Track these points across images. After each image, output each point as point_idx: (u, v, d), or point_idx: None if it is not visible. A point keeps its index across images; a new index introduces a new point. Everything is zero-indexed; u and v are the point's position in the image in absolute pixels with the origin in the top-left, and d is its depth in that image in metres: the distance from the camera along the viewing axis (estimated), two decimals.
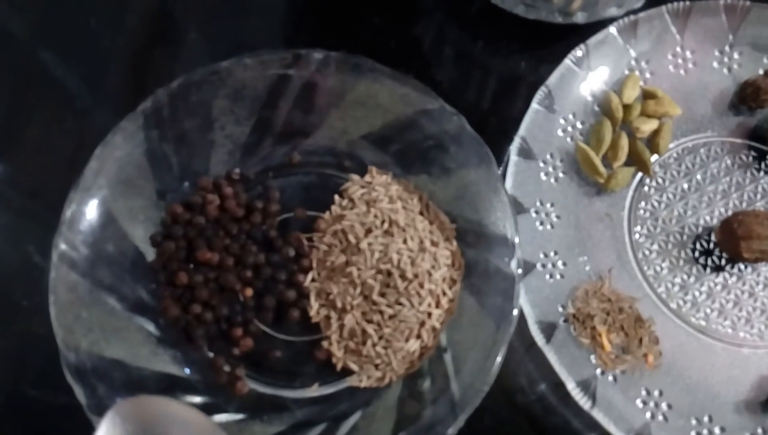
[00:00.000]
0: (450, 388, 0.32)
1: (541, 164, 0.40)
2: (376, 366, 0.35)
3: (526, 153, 0.40)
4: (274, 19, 0.48)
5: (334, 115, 0.39)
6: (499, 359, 0.31)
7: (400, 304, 0.34)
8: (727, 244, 0.38)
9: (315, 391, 0.35)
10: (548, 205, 0.40)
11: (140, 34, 0.47)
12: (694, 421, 0.35)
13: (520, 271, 0.33)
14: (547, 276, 0.38)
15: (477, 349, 0.33)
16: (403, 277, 0.34)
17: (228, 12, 0.48)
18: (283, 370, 0.36)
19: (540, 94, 0.40)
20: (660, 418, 0.35)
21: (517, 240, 0.34)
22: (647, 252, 0.40)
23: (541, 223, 0.39)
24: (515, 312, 0.32)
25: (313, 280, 0.37)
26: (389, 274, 0.35)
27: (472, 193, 0.36)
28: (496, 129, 0.42)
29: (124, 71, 0.46)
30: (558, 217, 0.40)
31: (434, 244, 0.36)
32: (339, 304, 0.36)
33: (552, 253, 0.39)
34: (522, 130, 0.40)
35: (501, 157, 0.41)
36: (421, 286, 0.34)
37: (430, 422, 0.31)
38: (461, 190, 0.37)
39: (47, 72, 0.46)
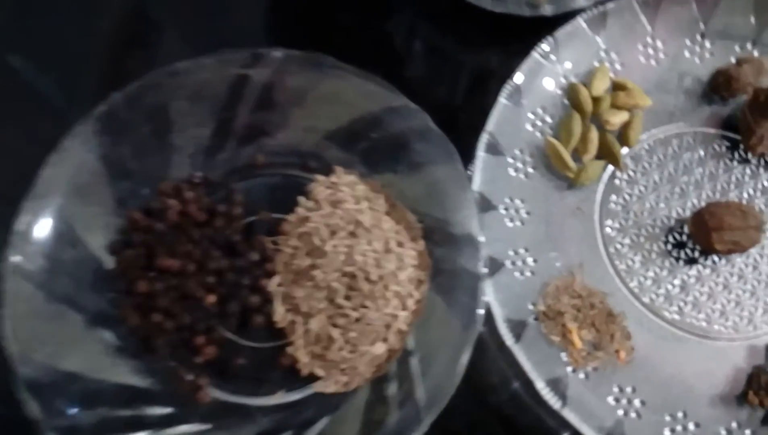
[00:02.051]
0: (416, 392, 0.31)
1: (510, 160, 0.40)
2: (343, 371, 0.34)
3: (494, 149, 0.39)
4: (252, 18, 0.47)
5: (297, 114, 0.38)
6: (464, 360, 0.31)
7: (365, 307, 0.34)
8: (699, 236, 0.37)
9: (281, 398, 0.35)
10: (518, 201, 0.39)
11: (116, 36, 0.46)
12: (668, 417, 0.35)
13: (485, 269, 0.32)
14: (517, 273, 0.37)
15: (444, 350, 0.32)
16: (367, 279, 0.34)
17: (206, 12, 0.47)
18: (248, 377, 0.35)
19: (507, 88, 0.39)
20: (633, 414, 0.35)
21: (482, 238, 0.33)
22: (619, 246, 0.39)
23: (511, 220, 0.38)
24: (480, 311, 0.32)
25: (278, 284, 0.37)
26: (354, 276, 0.34)
27: (438, 191, 0.35)
28: (467, 125, 0.41)
29: (99, 75, 0.45)
30: (528, 213, 0.39)
31: (400, 244, 0.35)
32: (304, 309, 0.35)
33: (522, 250, 0.38)
34: (489, 125, 0.39)
35: (471, 154, 0.40)
36: (387, 287, 0.34)
37: (395, 427, 0.30)
38: (428, 188, 0.36)
39: (17, 77, 0.45)
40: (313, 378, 0.35)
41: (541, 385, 0.34)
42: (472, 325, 0.31)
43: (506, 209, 0.38)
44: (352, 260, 0.34)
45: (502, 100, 0.39)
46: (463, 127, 0.40)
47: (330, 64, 0.36)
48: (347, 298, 0.34)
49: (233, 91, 0.37)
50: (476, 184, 0.38)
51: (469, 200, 0.34)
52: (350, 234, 0.35)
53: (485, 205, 0.37)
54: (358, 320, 0.34)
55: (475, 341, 0.31)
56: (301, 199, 0.38)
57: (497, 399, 0.37)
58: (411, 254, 0.35)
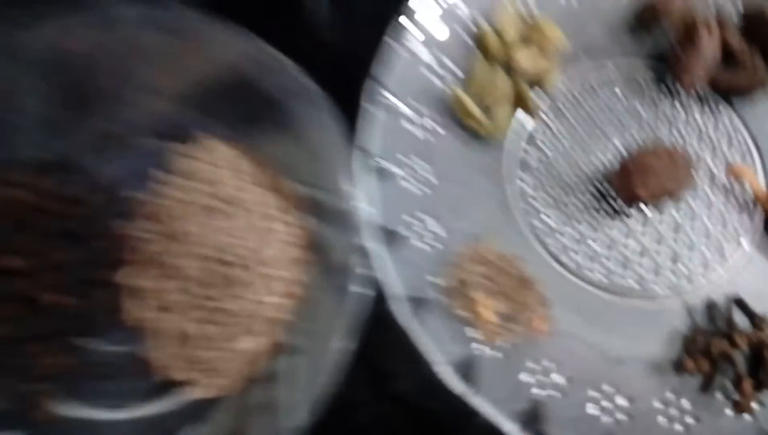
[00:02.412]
0: (282, 393, 0.26)
1: (411, 115, 0.34)
2: (206, 372, 0.29)
3: (388, 104, 0.33)
4: None
5: (150, 76, 0.31)
6: (340, 346, 0.26)
7: (223, 295, 0.28)
8: (622, 185, 0.32)
9: (140, 410, 0.29)
10: (421, 162, 0.33)
11: None
12: (594, 392, 0.30)
13: (359, 241, 0.27)
14: (420, 243, 0.32)
15: (323, 337, 0.28)
16: (222, 261, 0.28)
17: None
18: (104, 388, 0.30)
19: (400, 31, 0.34)
20: (554, 392, 0.30)
21: (363, 205, 0.28)
22: (536, 203, 0.34)
23: (410, 182, 0.33)
24: (355, 289, 0.26)
25: (131, 275, 0.31)
26: (208, 260, 0.29)
27: (314, 154, 0.30)
28: (361, 79, 0.34)
29: None
30: (431, 172, 0.33)
31: (267, 217, 0.30)
32: (157, 303, 0.29)
33: (427, 218, 0.33)
34: (381, 76, 0.33)
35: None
36: (247, 270, 0.28)
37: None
38: (303, 152, 0.30)
39: None
40: (175, 383, 0.30)
41: (443, 369, 0.29)
42: (345, 306, 0.26)
43: (406, 172, 0.33)
44: (205, 241, 0.29)
45: (394, 44, 0.33)
46: (355, 83, 0.34)
47: (181, 16, 0.30)
48: (202, 286, 0.29)
49: (69, 54, 0.31)
50: (366, 145, 0.32)
51: (348, 163, 0.29)
52: (207, 210, 0.30)
53: (377, 167, 0.32)
54: (216, 312, 0.29)
55: (361, 324, 0.26)
56: (158, 174, 0.32)
57: (402, 387, 0.32)
58: (281, 229, 0.30)
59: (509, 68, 0.35)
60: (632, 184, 0.31)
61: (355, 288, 0.27)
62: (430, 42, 0.35)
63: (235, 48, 0.30)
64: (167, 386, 0.30)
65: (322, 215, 0.30)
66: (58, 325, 0.30)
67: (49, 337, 0.29)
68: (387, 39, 0.34)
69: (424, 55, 0.34)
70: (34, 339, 0.29)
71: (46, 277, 0.30)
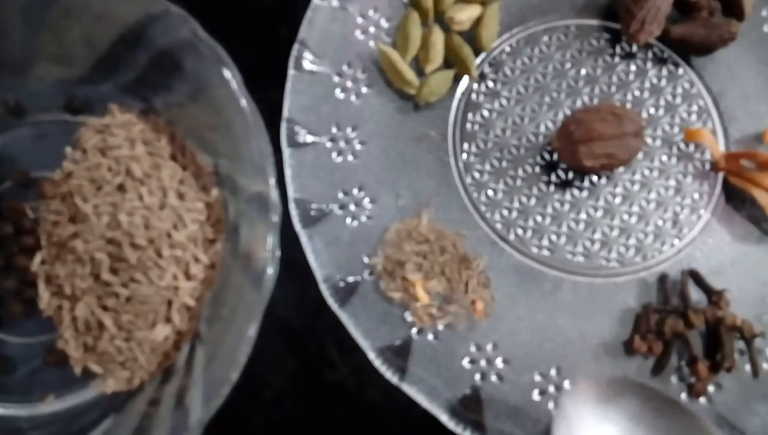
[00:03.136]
0: (191, 386, 0.24)
1: (336, 78, 0.31)
2: (122, 364, 0.27)
3: (309, 65, 0.31)
4: None
5: (44, 39, 0.29)
6: (251, 334, 0.23)
7: (135, 281, 0.26)
8: (566, 153, 0.30)
9: (51, 404, 0.28)
10: (348, 130, 0.31)
11: None
12: (537, 377, 0.28)
13: (276, 218, 0.25)
14: (349, 219, 0.30)
15: (235, 326, 0.26)
16: (133, 245, 0.26)
17: None
18: (16, 382, 0.28)
19: None
20: (493, 378, 0.28)
21: (271, 180, 0.25)
22: (478, 175, 0.31)
23: (340, 153, 0.31)
24: (269, 271, 0.24)
25: (42, 261, 0.29)
26: (119, 243, 0.26)
27: (223, 121, 0.27)
28: (286, 42, 0.32)
29: None
30: (362, 143, 0.31)
31: (181, 196, 0.27)
32: (68, 291, 0.27)
33: (355, 191, 0.30)
34: (302, 33, 0.31)
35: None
36: (159, 253, 0.26)
37: (164, 433, 0.24)
38: (214, 120, 0.28)
39: None
40: (92, 376, 0.28)
41: (372, 356, 0.27)
42: (258, 291, 0.24)
43: (332, 141, 0.31)
44: (116, 222, 0.26)
45: (316, 0, 0.31)
46: (281, 43, 0.32)
47: None
48: (114, 271, 0.26)
49: None
50: (287, 110, 0.30)
51: (264, 134, 0.26)
52: (118, 188, 0.28)
53: (299, 136, 0.30)
54: (129, 299, 0.26)
55: (263, 311, 0.24)
56: (68, 151, 0.29)
57: (336, 376, 0.30)
58: (197, 208, 0.27)
59: (444, 23, 0.32)
60: (576, 152, 0.29)
61: (269, 271, 0.25)
62: None
63: (130, 4, 0.27)
64: (84, 378, 0.28)
65: (238, 192, 0.27)
66: None
67: None
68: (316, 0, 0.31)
69: (356, 12, 0.32)
70: None
71: None
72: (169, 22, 0.27)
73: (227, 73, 0.26)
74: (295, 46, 0.30)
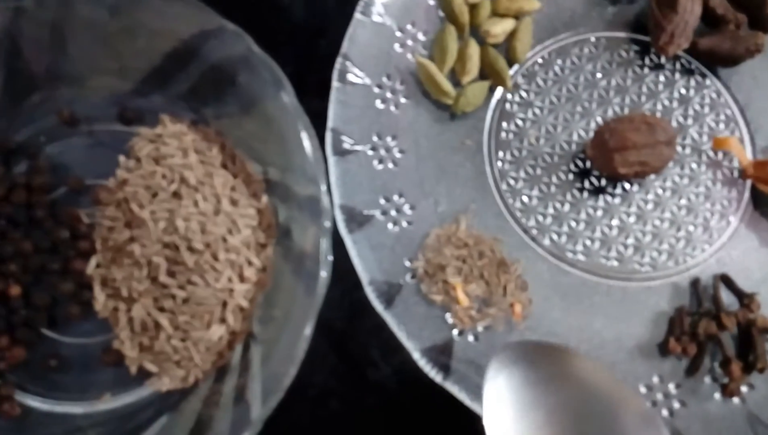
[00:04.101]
0: (251, 384, 0.25)
1: (377, 89, 0.33)
2: (177, 363, 0.28)
3: (353, 77, 0.32)
4: None
5: (100, 54, 0.30)
6: (304, 340, 0.24)
7: (192, 283, 0.27)
8: (600, 160, 0.31)
9: (108, 402, 0.29)
10: (388, 139, 0.32)
11: None
12: None
13: (328, 223, 0.26)
14: (391, 225, 0.31)
15: (290, 328, 0.27)
16: (191, 248, 0.27)
17: None
18: (73, 380, 0.29)
19: (365, 1, 0.32)
20: None
21: (322, 186, 0.26)
22: (513, 181, 0.33)
23: (381, 161, 0.32)
24: (323, 274, 0.25)
25: (97, 265, 0.30)
26: (176, 247, 0.27)
27: (275, 133, 0.29)
28: (327, 54, 0.33)
29: None
30: (401, 151, 0.32)
31: (234, 202, 0.29)
32: (125, 293, 0.28)
33: (396, 197, 0.31)
34: (345, 47, 0.32)
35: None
36: (215, 257, 0.27)
37: (225, 430, 0.25)
38: (264, 131, 0.29)
39: None
40: (147, 375, 0.29)
41: (417, 356, 0.28)
42: (312, 293, 0.25)
43: (374, 149, 0.32)
44: (173, 227, 0.27)
45: (358, 16, 0.32)
46: (322, 55, 0.33)
47: None
48: (171, 274, 0.28)
49: (13, 30, 0.29)
50: (331, 121, 0.31)
51: (314, 143, 0.27)
52: (173, 195, 0.29)
53: (343, 145, 0.31)
54: (186, 301, 0.28)
55: (318, 312, 0.25)
56: (122, 159, 0.31)
57: (377, 375, 0.31)
58: (249, 214, 0.29)
59: (479, 36, 0.33)
60: (612, 160, 0.30)
61: (323, 274, 0.26)
62: (401, 13, 0.33)
63: (178, 15, 0.28)
64: (139, 377, 0.29)
65: (289, 199, 0.28)
66: (27, 317, 0.29)
67: (11, 329, 0.29)
68: (356, 14, 0.32)
69: (395, 26, 0.33)
70: (2, 331, 0.28)
71: (6, 268, 0.29)
72: (224, 38, 0.28)
73: (284, 91, 0.27)
74: (339, 60, 0.32)
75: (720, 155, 0.33)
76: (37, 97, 0.31)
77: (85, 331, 0.30)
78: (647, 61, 0.35)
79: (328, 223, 0.26)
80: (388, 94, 0.33)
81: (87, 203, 0.31)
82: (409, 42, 0.34)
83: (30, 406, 0.29)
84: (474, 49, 0.33)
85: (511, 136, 0.33)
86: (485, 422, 0.25)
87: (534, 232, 0.32)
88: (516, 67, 0.34)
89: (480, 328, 0.30)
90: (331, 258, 0.26)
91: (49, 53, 0.30)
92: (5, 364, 0.28)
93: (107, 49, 0.30)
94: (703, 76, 0.34)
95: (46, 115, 0.32)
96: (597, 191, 0.33)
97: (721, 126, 0.34)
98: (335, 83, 0.31)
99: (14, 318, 0.29)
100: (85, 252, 0.30)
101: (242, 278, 0.28)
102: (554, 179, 0.33)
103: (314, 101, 0.33)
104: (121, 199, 0.30)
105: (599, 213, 0.32)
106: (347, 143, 0.31)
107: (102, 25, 0.29)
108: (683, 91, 0.34)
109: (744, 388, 0.29)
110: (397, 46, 0.33)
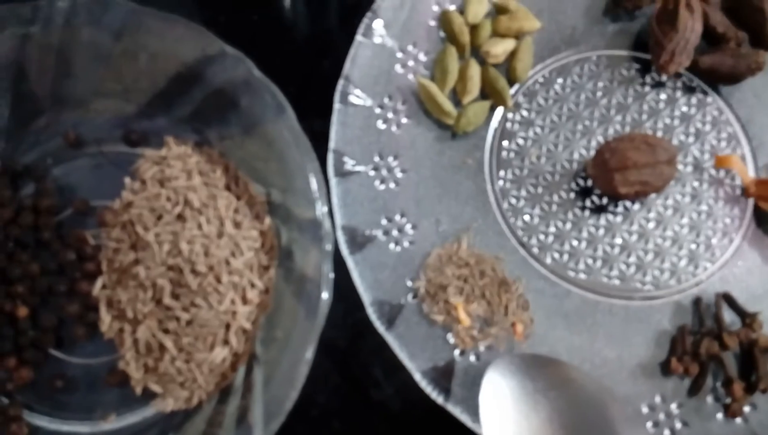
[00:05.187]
0: (253, 405, 0.26)
1: (378, 110, 0.33)
2: (182, 384, 0.28)
3: (355, 98, 0.32)
4: None
5: (105, 77, 0.31)
6: (306, 362, 0.25)
7: (196, 305, 0.28)
8: (601, 180, 0.31)
9: (113, 422, 0.29)
10: (390, 159, 0.32)
11: None
12: None
13: (329, 246, 0.26)
14: (392, 245, 0.31)
15: (291, 349, 0.27)
16: (194, 271, 0.27)
17: None
18: (79, 401, 0.30)
19: (366, 23, 0.33)
20: None
21: (323, 209, 0.27)
22: (514, 200, 0.33)
23: (382, 181, 0.32)
24: (324, 296, 0.26)
25: (103, 286, 0.31)
26: (180, 270, 0.28)
27: (276, 155, 0.29)
28: (329, 74, 0.34)
29: None
30: (403, 171, 0.32)
31: (237, 225, 0.29)
32: (130, 314, 0.29)
33: (397, 217, 0.32)
34: (346, 68, 0.32)
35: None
36: (219, 279, 0.27)
37: None
38: (266, 152, 0.30)
39: None
40: (151, 395, 0.30)
41: (418, 377, 0.28)
42: (313, 315, 0.25)
43: (375, 169, 0.32)
44: (177, 250, 0.28)
45: (359, 38, 0.32)
46: (324, 76, 0.34)
47: (127, 9, 0.29)
48: (175, 296, 0.28)
49: (20, 55, 0.30)
50: (333, 142, 0.31)
51: (314, 164, 0.27)
52: (178, 217, 0.29)
53: (345, 166, 0.31)
54: (189, 323, 0.28)
55: (320, 334, 0.25)
56: (127, 181, 0.31)
57: (381, 395, 0.31)
58: (252, 236, 0.29)
59: (479, 56, 0.33)
60: (612, 180, 0.30)
61: (324, 297, 0.26)
62: (402, 34, 0.33)
63: (188, 44, 0.29)
64: (144, 398, 0.29)
65: (290, 221, 0.29)
66: (34, 338, 0.30)
67: (19, 350, 0.29)
68: (357, 37, 0.33)
69: (396, 47, 0.33)
70: (6, 353, 0.29)
71: (14, 289, 0.29)
72: (226, 62, 0.29)
73: (285, 114, 0.27)
74: (340, 82, 0.32)
75: (722, 173, 0.33)
76: (43, 120, 0.32)
77: (91, 352, 0.30)
78: (648, 79, 0.35)
79: (329, 247, 0.26)
80: (390, 115, 0.33)
81: (93, 224, 0.32)
82: (411, 63, 0.34)
83: (37, 426, 0.29)
84: (475, 69, 0.33)
85: (512, 155, 0.33)
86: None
87: (535, 250, 0.32)
88: (517, 86, 0.34)
89: (482, 348, 0.30)
90: (332, 276, 0.27)
91: (55, 77, 0.31)
92: (13, 385, 0.29)
93: (111, 72, 0.31)
94: (705, 93, 0.34)
95: (52, 138, 0.32)
96: (598, 210, 0.33)
97: (723, 144, 0.34)
98: (337, 105, 0.32)
99: (22, 339, 0.29)
100: (91, 273, 0.30)
101: (245, 300, 0.28)
102: (555, 198, 0.33)
103: (316, 121, 0.33)
104: (126, 221, 0.30)
105: (601, 231, 0.32)
106: (349, 164, 0.32)
107: (106, 48, 0.30)
108: (685, 109, 0.34)
109: (746, 408, 0.29)
110: (398, 67, 0.34)
